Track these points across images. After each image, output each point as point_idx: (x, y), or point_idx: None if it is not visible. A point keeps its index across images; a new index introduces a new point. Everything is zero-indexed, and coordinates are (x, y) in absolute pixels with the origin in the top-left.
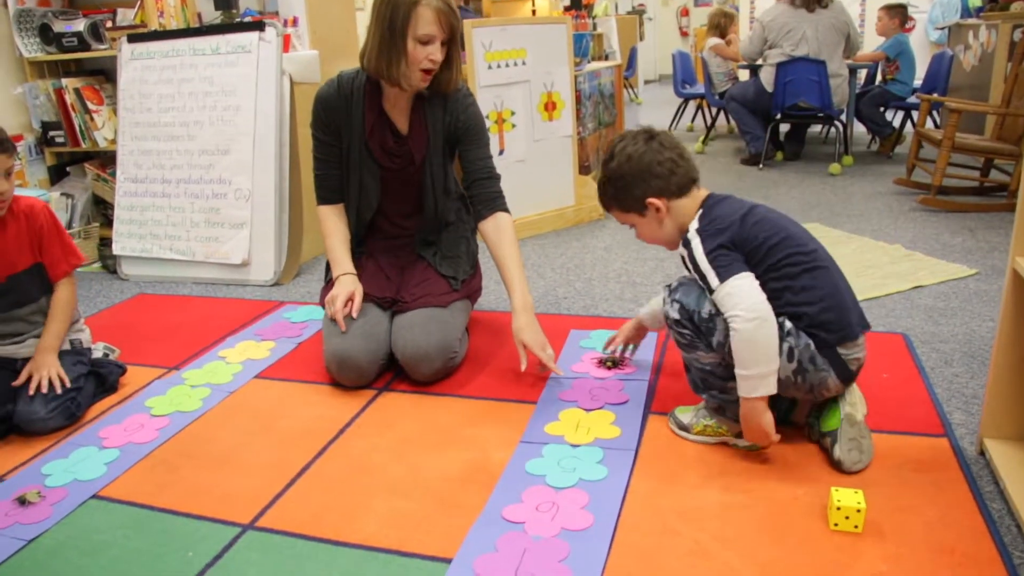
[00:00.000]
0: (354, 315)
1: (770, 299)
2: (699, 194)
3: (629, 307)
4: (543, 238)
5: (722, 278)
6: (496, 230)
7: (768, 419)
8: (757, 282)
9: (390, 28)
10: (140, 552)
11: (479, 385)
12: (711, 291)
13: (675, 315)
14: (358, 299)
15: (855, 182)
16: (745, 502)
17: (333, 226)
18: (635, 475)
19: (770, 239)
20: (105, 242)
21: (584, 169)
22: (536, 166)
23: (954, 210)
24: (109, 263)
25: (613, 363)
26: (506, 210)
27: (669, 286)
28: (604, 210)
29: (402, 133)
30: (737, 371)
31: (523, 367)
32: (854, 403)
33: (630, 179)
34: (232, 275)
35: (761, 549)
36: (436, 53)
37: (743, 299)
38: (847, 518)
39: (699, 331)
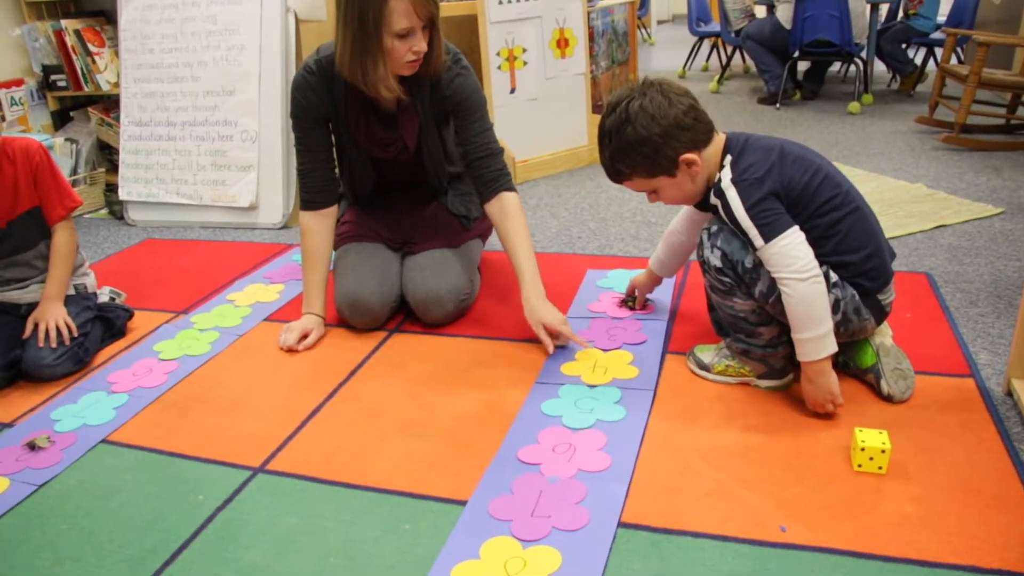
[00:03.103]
0: (300, 348)
1: (812, 248)
2: (719, 139)
3: (645, 247)
4: (556, 178)
5: (767, 237)
6: (502, 213)
7: (835, 381)
8: (803, 236)
9: (362, 29)
10: (150, 496)
11: (493, 325)
12: (755, 247)
13: (716, 262)
14: (310, 340)
15: (875, 121)
16: (766, 443)
17: (312, 246)
18: (653, 415)
19: (810, 183)
20: (111, 188)
21: (597, 108)
22: (548, 105)
23: (979, 148)
24: (116, 209)
25: (634, 303)
26: (511, 189)
27: (708, 229)
28: (616, 182)
29: (392, 120)
30: (796, 336)
31: (551, 350)
32: (881, 330)
33: (659, 139)
34: (240, 218)
35: (783, 489)
36: (419, 43)
37: (794, 259)
38: (871, 459)
39: (740, 280)
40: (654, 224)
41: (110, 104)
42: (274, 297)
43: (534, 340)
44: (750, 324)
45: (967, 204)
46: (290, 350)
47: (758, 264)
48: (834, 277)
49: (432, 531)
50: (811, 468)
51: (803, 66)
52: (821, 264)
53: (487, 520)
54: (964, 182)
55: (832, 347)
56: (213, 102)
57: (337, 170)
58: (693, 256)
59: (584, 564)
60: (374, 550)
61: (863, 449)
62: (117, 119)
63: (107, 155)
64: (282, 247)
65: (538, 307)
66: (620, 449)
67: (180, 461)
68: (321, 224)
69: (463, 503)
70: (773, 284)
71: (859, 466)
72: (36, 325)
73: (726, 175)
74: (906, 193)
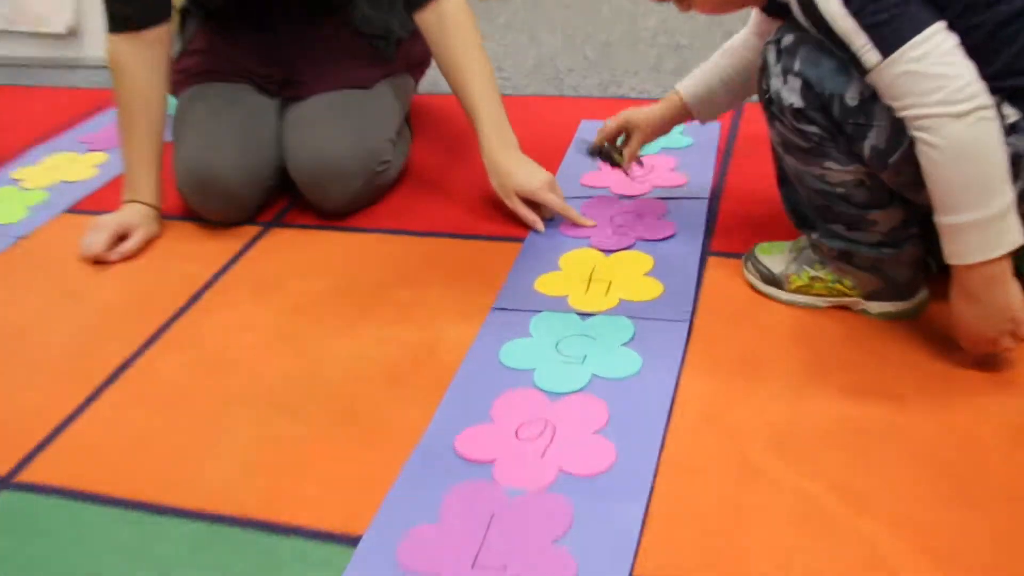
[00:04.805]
0: (113, 258)
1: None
2: None
3: (670, 82)
4: None
5: (888, 45)
6: (441, 27)
7: (1017, 296)
8: (955, 39)
9: None
10: None
11: (426, 214)
12: (864, 68)
13: (794, 99)
14: (131, 245)
15: None
16: (887, 419)
17: (132, 91)
18: (688, 368)
19: None
20: None
21: None
22: None
23: None
24: None
25: (615, 156)
26: None
27: (777, 43)
28: None
29: None
30: (945, 220)
31: (540, 226)
32: None
33: None
34: (53, 50)
35: (924, 511)
36: None
37: (941, 81)
38: None
39: (837, 129)
40: (685, 48)
41: None
42: (89, 174)
43: (492, 236)
44: (854, 206)
45: None
46: (98, 261)
47: (869, 99)
48: (1011, 114)
49: None
50: (976, 469)
51: None
52: (990, 92)
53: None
54: None
55: (1014, 237)
56: None
57: None
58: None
59: None
60: None
61: None
62: None
63: None
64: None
65: (507, 164)
66: (631, 432)
67: None
68: (145, 55)
69: (355, 542)
70: (897, 133)
71: None
72: None
73: None
74: None
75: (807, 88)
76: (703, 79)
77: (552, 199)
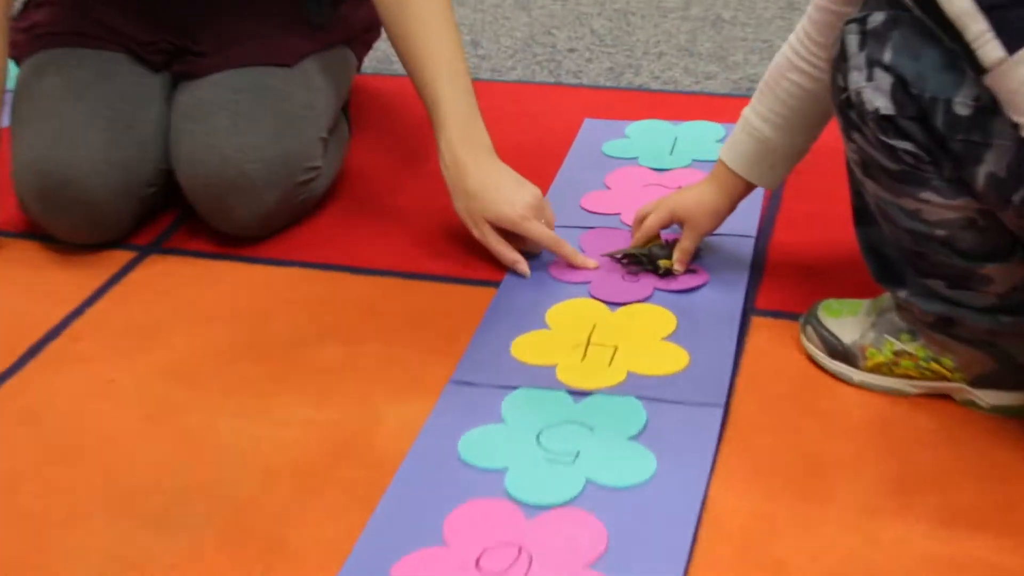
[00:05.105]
0: None
1: None
2: None
3: (706, 69)
4: None
5: (1017, 37)
6: None
7: None
8: None
9: None
10: None
11: (366, 242)
12: (981, 66)
13: (884, 103)
14: None
15: None
16: (990, 564)
17: None
18: (721, 475)
19: None
20: None
21: None
22: None
23: None
24: None
25: (659, 264)
26: None
27: (861, 20)
28: None
29: None
30: None
31: (524, 269)
32: None
33: None
34: None
35: None
36: None
37: None
38: None
39: (942, 147)
40: (727, 23)
41: None
42: None
43: (459, 278)
44: (961, 256)
45: None
46: None
47: (987, 108)
48: None
49: None
50: None
51: None
52: None
53: None
54: None
55: None
56: None
57: None
58: None
59: None
60: None
61: None
62: None
63: None
64: None
65: (476, 178)
66: (639, 567)
67: None
68: None
69: None
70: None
71: None
72: None
73: None
74: None
75: (901, 88)
76: (752, 134)
77: (538, 230)
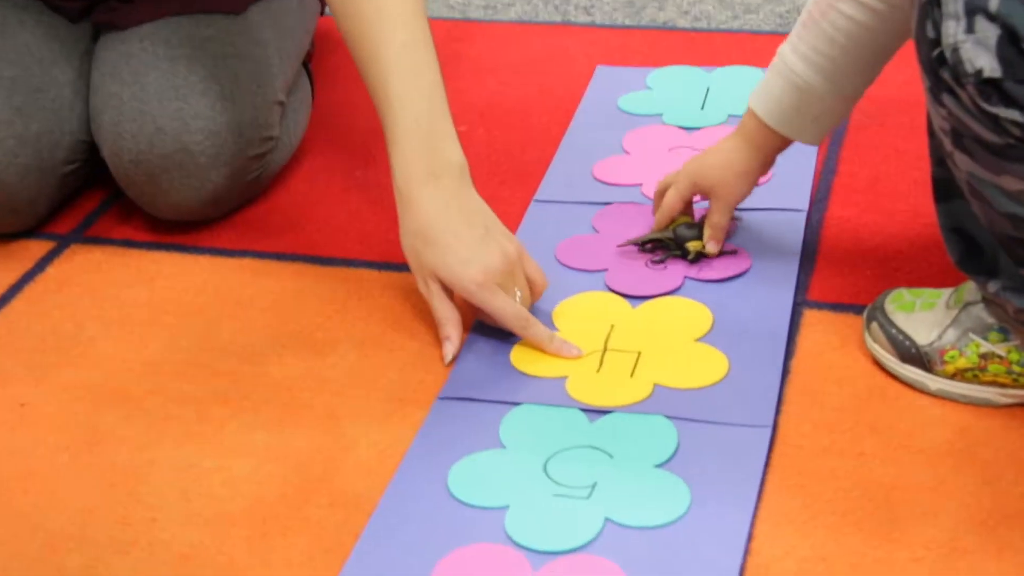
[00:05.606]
0: None
1: None
2: None
3: (744, 2)
4: None
5: None
6: None
7: None
8: None
9: None
10: None
11: (333, 226)
12: None
13: (987, 63)
14: None
15: None
16: None
17: None
18: (769, 507)
19: None
20: None
21: None
22: None
23: None
24: None
25: (687, 246)
26: None
27: None
28: None
29: None
30: None
31: (450, 354)
32: None
33: None
34: None
35: None
36: None
37: None
38: None
39: None
40: None
41: None
42: None
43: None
44: None
45: None
46: None
47: None
48: None
49: None
50: None
51: None
52: None
53: None
54: None
55: None
56: None
57: None
58: None
59: None
60: None
61: None
62: None
63: None
64: None
65: (429, 212)
66: None
67: None
68: None
69: None
70: None
71: None
72: None
73: None
74: None
75: (1010, 43)
76: (790, 77)
77: (498, 304)
